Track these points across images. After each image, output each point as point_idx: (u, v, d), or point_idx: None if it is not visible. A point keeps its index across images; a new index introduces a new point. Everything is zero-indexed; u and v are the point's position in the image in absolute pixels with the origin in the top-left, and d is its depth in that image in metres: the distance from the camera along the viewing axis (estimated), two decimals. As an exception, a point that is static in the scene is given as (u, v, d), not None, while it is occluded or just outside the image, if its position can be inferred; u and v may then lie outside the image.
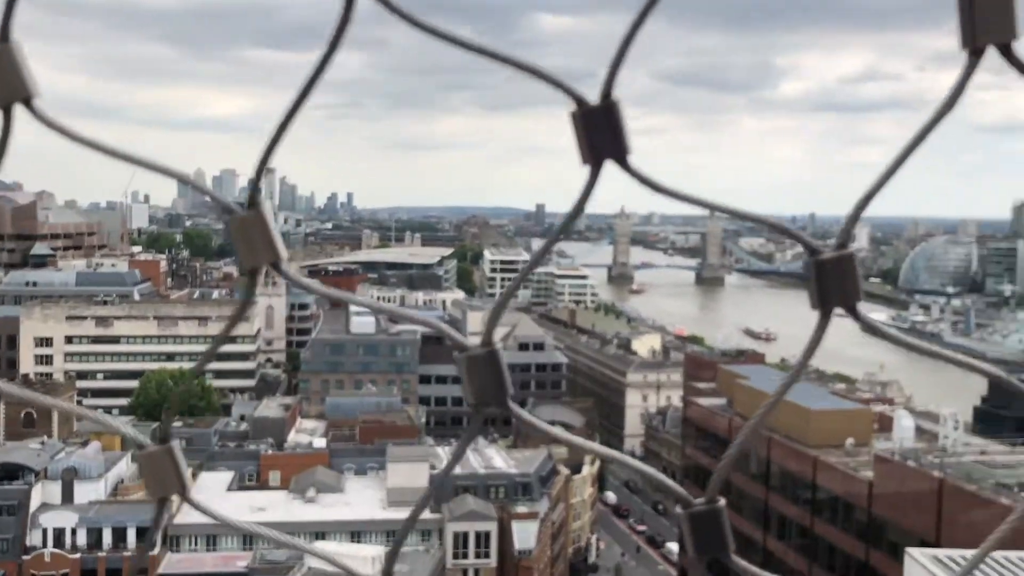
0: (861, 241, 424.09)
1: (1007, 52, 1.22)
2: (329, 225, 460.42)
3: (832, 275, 1.41)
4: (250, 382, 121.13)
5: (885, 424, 54.86)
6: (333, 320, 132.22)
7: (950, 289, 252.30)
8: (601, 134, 1.36)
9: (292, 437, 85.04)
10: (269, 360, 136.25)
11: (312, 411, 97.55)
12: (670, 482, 1.52)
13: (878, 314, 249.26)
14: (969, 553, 27.01)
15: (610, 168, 1.31)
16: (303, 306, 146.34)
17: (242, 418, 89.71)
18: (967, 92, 1.18)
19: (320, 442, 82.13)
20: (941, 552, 28.75)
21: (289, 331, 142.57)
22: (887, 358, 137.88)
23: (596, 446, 1.76)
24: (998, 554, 27.76)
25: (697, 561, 1.48)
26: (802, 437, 54.28)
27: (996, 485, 41.36)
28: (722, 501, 1.49)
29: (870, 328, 1.48)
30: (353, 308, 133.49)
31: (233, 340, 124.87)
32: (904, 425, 50.17)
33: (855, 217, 1.44)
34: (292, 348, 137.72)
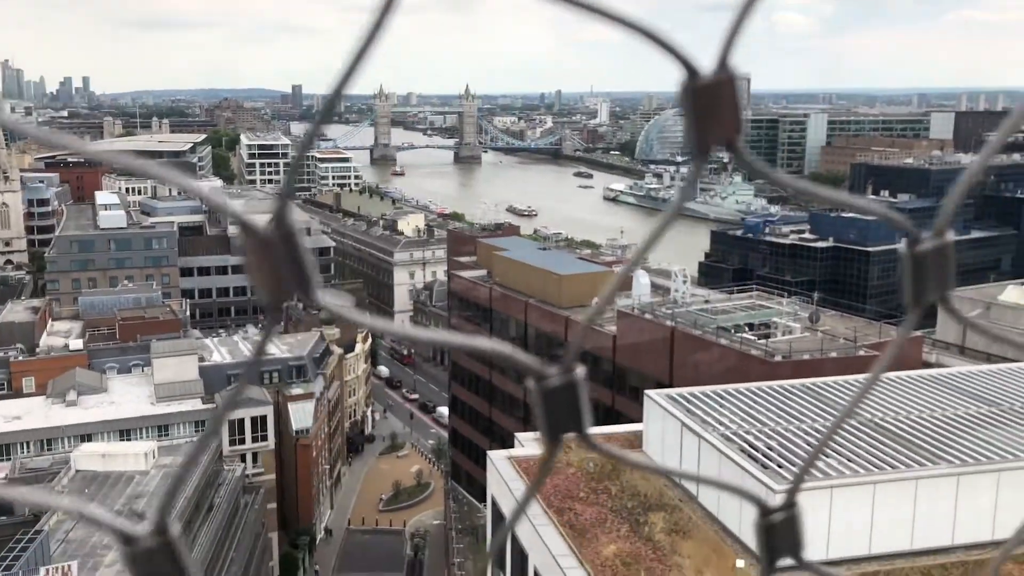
0: (602, 116, 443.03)
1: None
2: (65, 113, 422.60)
3: (932, 267, 1.28)
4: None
5: (626, 283, 60.26)
6: (79, 215, 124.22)
7: (679, 158, 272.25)
8: (713, 112, 1.14)
9: (45, 340, 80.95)
10: (9, 262, 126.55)
11: (64, 312, 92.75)
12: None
13: (618, 184, 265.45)
14: (697, 389, 30.91)
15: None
16: (43, 202, 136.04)
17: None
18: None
19: (77, 343, 78.84)
20: (673, 391, 32.16)
21: (29, 229, 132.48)
22: (625, 224, 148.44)
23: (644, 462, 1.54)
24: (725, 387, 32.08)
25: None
26: (555, 300, 58.73)
27: (717, 328, 47.08)
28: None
29: (961, 320, 1.45)
30: (100, 200, 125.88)
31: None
32: (642, 283, 55.37)
33: (955, 203, 1.32)
34: (35, 248, 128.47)
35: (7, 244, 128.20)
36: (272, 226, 1.12)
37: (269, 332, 1.21)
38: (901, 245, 1.33)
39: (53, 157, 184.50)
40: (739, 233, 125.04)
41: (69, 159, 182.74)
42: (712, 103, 1.15)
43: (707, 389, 30.19)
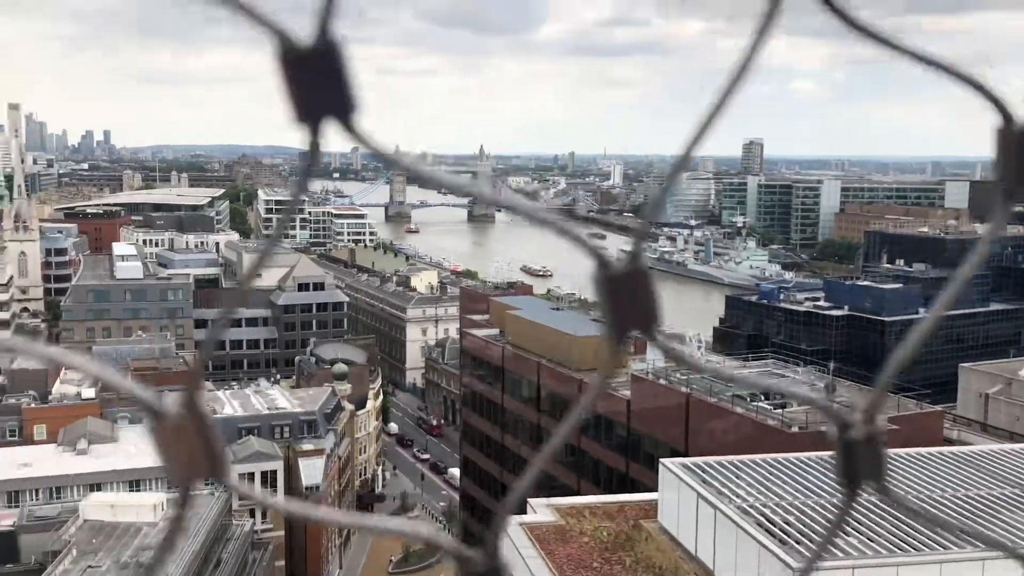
0: (615, 178, 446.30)
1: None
2: (85, 165, 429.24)
3: (864, 454, 1.25)
4: (5, 333, 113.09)
5: (640, 346, 60.02)
6: (95, 265, 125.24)
7: (693, 221, 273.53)
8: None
9: (57, 388, 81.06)
10: (26, 310, 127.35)
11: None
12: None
13: (630, 247, 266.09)
14: (712, 459, 30.52)
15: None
16: (60, 251, 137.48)
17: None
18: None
19: (89, 392, 78.82)
20: (689, 460, 31.67)
21: (46, 278, 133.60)
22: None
23: None
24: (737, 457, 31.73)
25: None
26: (567, 361, 58.47)
27: (733, 396, 46.72)
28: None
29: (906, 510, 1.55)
30: (117, 251, 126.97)
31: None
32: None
33: (880, 398, 1.28)
34: (51, 296, 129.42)
35: (24, 292, 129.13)
36: (184, 411, 1.11)
37: (185, 505, 1.18)
38: (830, 428, 1.27)
39: (72, 208, 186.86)
40: (754, 299, 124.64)
41: (88, 210, 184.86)
42: (626, 292, 1.17)
43: (723, 459, 29.80)
